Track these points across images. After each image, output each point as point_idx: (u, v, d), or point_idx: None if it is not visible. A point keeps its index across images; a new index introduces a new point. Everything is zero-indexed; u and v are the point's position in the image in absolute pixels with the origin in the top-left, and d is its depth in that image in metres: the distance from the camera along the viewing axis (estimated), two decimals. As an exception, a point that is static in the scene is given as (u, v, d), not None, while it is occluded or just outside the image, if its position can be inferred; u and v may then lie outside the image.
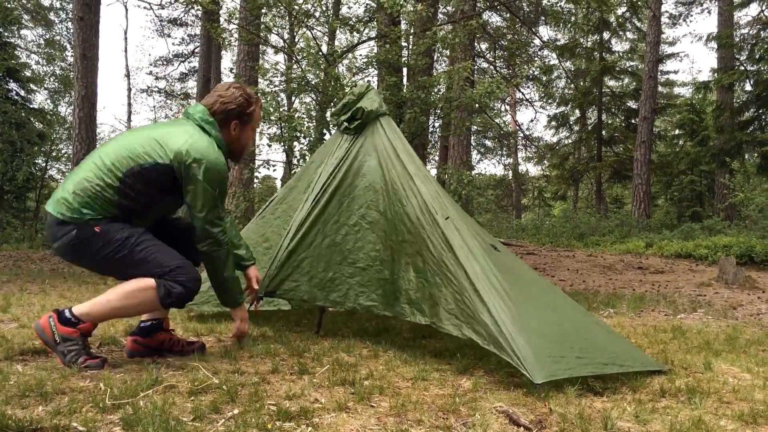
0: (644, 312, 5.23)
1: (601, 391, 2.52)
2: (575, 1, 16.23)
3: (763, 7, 18.89)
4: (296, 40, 12.26)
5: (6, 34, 20.83)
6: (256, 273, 3.35)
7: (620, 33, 25.13)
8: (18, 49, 23.01)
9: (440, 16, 16.26)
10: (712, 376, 2.81)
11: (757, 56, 17.88)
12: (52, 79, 25.85)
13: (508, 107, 29.40)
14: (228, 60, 26.15)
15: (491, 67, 22.32)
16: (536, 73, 23.20)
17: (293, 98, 10.23)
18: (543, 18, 21.07)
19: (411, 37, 10.32)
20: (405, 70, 10.17)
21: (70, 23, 23.41)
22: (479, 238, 3.21)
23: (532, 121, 48.43)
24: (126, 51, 58.18)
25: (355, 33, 10.28)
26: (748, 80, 18.68)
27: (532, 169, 36.73)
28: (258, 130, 10.99)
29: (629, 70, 25.96)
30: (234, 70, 15.13)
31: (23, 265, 9.93)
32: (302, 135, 8.27)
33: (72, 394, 2.21)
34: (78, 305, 2.70)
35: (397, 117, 8.41)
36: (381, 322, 4.05)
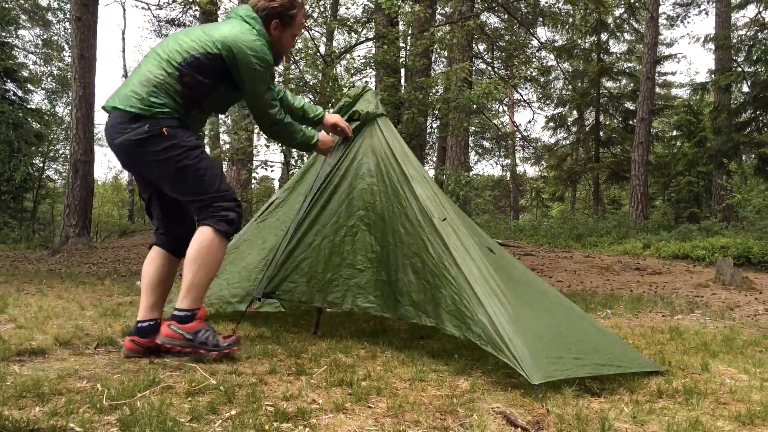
0: (642, 313, 5.24)
1: (598, 391, 2.53)
2: (573, 3, 16.24)
3: (761, 9, 18.92)
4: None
5: (3, 34, 20.81)
6: (333, 119, 3.45)
7: (618, 34, 25.17)
8: (15, 49, 22.99)
9: (438, 16, 16.26)
10: (709, 377, 2.81)
11: (755, 57, 17.90)
12: (49, 80, 25.84)
13: (505, 108, 29.45)
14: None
15: (489, 68, 22.33)
16: (534, 74, 23.20)
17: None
18: (541, 19, 21.07)
19: (409, 37, 10.32)
20: (403, 70, 10.18)
21: (67, 23, 23.38)
22: (477, 239, 3.21)
23: (529, 122, 48.61)
24: (124, 51, 58.30)
25: (353, 34, 10.28)
26: (745, 81, 18.72)
27: (530, 170, 36.79)
28: (256, 132, 10.99)
29: (627, 71, 26.01)
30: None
31: (20, 265, 9.92)
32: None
33: (69, 394, 2.21)
34: (177, 301, 2.82)
35: (395, 118, 8.41)
36: (379, 323, 4.05)
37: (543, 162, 30.04)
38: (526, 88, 25.52)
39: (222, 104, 3.17)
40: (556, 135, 28.83)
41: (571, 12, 20.22)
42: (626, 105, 25.33)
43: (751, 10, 19.58)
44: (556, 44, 23.28)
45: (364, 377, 2.60)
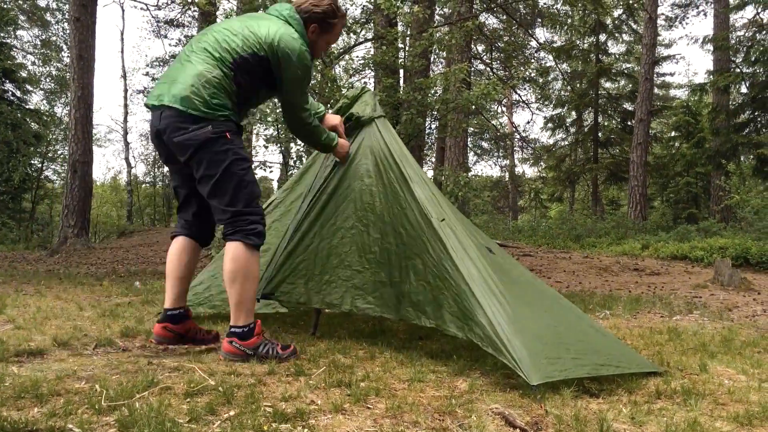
0: (640, 314, 5.24)
1: (596, 392, 2.53)
2: (572, 4, 16.25)
3: (759, 10, 18.95)
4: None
5: (2, 34, 20.79)
6: (333, 120, 3.49)
7: (616, 35, 25.19)
8: (14, 49, 22.97)
9: (437, 17, 16.27)
10: (707, 378, 2.81)
11: (753, 58, 17.92)
12: (48, 80, 25.81)
13: (504, 109, 29.45)
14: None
15: (488, 68, 22.36)
16: (533, 74, 23.21)
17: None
18: (539, 20, 21.10)
19: (408, 38, 10.33)
20: (402, 71, 10.18)
21: (66, 24, 23.34)
22: (475, 240, 3.21)
23: (528, 122, 48.67)
24: (122, 52, 58.15)
25: (351, 34, 10.28)
26: (743, 82, 18.76)
27: (529, 171, 36.81)
28: (255, 131, 10.97)
29: (625, 72, 26.03)
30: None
31: (19, 265, 9.91)
32: (299, 136, 8.26)
33: (68, 395, 2.21)
34: (233, 320, 2.89)
35: (394, 118, 8.42)
36: (377, 323, 4.05)
37: (542, 163, 30.07)
38: (525, 88, 25.57)
39: (263, 100, 3.30)
40: (555, 136, 28.90)
41: (570, 13, 20.22)
42: (625, 106, 25.36)
43: (749, 11, 19.59)
44: (554, 45, 23.29)
45: (363, 378, 2.60)
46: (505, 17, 20.16)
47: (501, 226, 21.47)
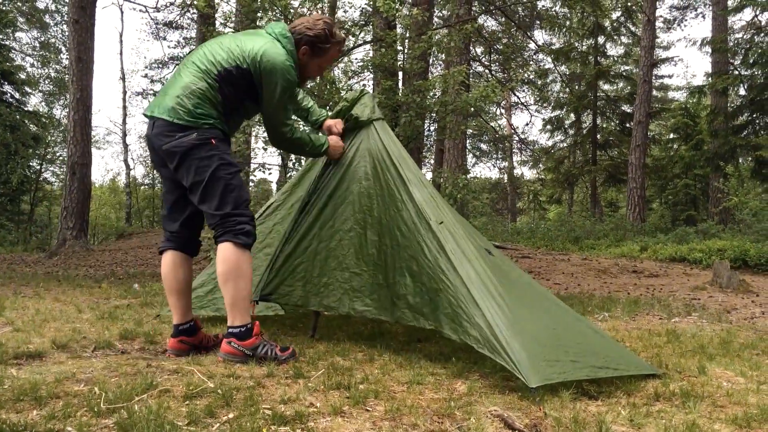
0: (639, 316, 5.25)
1: (595, 394, 2.53)
2: (570, 6, 16.30)
3: (757, 12, 18.99)
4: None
5: (1, 36, 20.78)
6: (331, 122, 3.52)
7: (615, 37, 25.22)
8: (13, 51, 22.95)
9: (436, 20, 16.30)
10: (706, 380, 2.82)
11: (751, 61, 17.96)
12: (46, 82, 25.80)
13: (503, 111, 29.48)
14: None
15: (487, 70, 22.39)
16: (531, 76, 23.26)
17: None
18: (538, 22, 21.16)
19: (406, 41, 10.35)
20: (401, 73, 10.19)
21: (65, 26, 23.35)
22: (474, 242, 3.22)
23: (527, 124, 48.75)
24: (121, 54, 57.98)
25: (350, 37, 10.28)
26: (742, 85, 18.77)
27: (528, 173, 36.83)
28: (255, 133, 10.98)
29: (624, 74, 26.06)
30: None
31: (17, 268, 9.91)
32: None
33: (66, 398, 2.21)
34: (230, 320, 2.93)
35: (393, 121, 8.42)
36: (376, 325, 4.05)
37: (540, 164, 30.11)
38: (524, 90, 25.64)
39: (252, 114, 3.32)
40: (554, 138, 28.92)
41: (568, 15, 20.28)
42: (623, 108, 25.38)
43: (747, 14, 19.67)
44: (553, 47, 23.33)
45: (362, 380, 2.60)
46: (503, 19, 20.22)
47: (500, 228, 21.47)
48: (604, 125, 26.15)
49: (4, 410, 2.05)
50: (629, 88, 25.47)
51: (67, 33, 16.77)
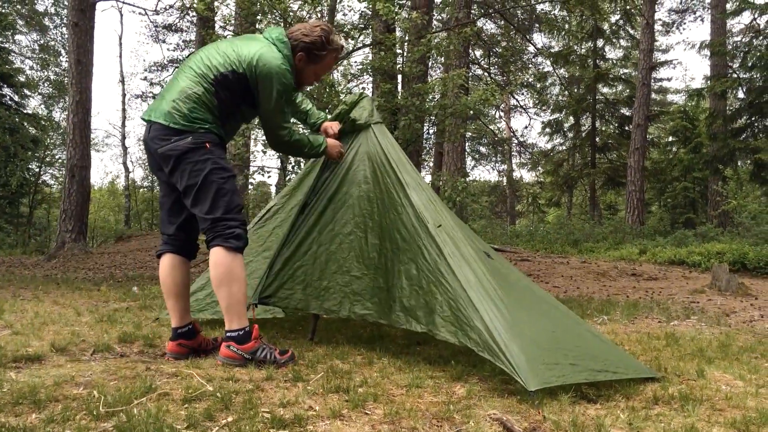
0: (638, 319, 5.25)
1: (594, 398, 2.53)
2: (569, 9, 16.32)
3: (756, 16, 19.03)
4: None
5: (0, 39, 20.79)
6: (328, 125, 3.53)
7: (614, 40, 25.28)
8: (12, 54, 22.96)
9: (435, 23, 16.32)
10: (704, 384, 2.82)
11: (750, 64, 17.99)
12: (46, 85, 25.80)
13: (502, 114, 29.49)
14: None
15: (486, 74, 22.41)
16: (530, 80, 23.31)
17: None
18: (537, 25, 21.18)
19: (406, 44, 10.36)
20: (400, 77, 10.20)
21: (64, 28, 23.36)
22: (473, 245, 3.22)
23: (526, 127, 48.70)
24: (121, 56, 57.69)
25: (350, 40, 10.30)
26: (740, 88, 18.80)
27: (527, 176, 36.87)
28: (254, 136, 10.98)
29: (623, 77, 26.10)
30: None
31: (16, 270, 9.90)
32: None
33: (65, 401, 2.20)
34: (227, 324, 2.94)
35: (392, 124, 8.43)
36: (375, 329, 4.05)
37: (539, 167, 30.10)
38: (523, 93, 25.67)
39: (249, 118, 3.33)
40: (553, 141, 28.99)
41: (568, 18, 20.30)
42: (622, 111, 25.41)
43: (746, 17, 19.76)
44: (552, 50, 23.41)
45: (361, 384, 2.61)
46: (503, 22, 20.24)
47: (499, 230, 21.49)
48: (603, 128, 26.17)
49: (3, 413, 2.05)
50: (628, 91, 25.51)
51: (66, 36, 16.78)
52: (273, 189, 23.13)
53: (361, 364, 3.05)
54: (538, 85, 25.52)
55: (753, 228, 13.87)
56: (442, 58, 13.51)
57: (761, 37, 18.62)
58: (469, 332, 2.70)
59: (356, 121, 3.50)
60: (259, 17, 10.00)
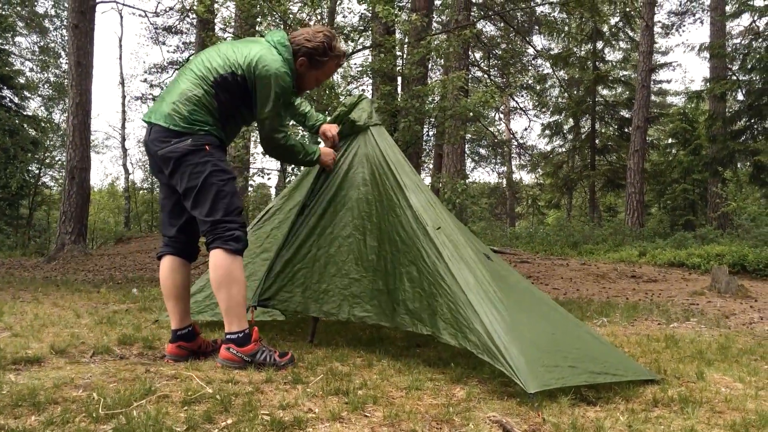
0: (637, 321, 5.25)
1: (594, 400, 2.53)
2: (569, 11, 16.34)
3: (755, 18, 19.06)
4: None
5: (0, 40, 20.80)
6: (326, 127, 3.52)
7: (613, 42, 25.29)
8: (12, 56, 22.97)
9: (435, 25, 16.34)
10: (704, 386, 2.82)
11: (749, 66, 18.01)
12: (46, 87, 25.81)
13: (502, 116, 29.51)
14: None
15: (485, 76, 22.44)
16: (530, 82, 23.33)
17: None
18: (537, 27, 21.22)
19: (405, 46, 10.36)
20: (399, 79, 10.21)
21: (64, 30, 23.39)
22: (473, 246, 3.22)
23: (526, 129, 48.73)
24: (120, 58, 57.88)
25: (349, 42, 10.31)
26: (740, 90, 18.83)
27: (526, 178, 36.88)
28: (254, 138, 10.98)
29: (622, 79, 26.13)
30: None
31: (16, 272, 9.90)
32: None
33: (65, 403, 2.20)
34: (227, 326, 2.93)
35: (392, 126, 8.43)
36: (375, 331, 4.05)
37: (539, 169, 30.09)
38: (522, 95, 25.70)
39: (249, 120, 3.32)
40: (552, 143, 28.97)
41: (567, 20, 20.33)
42: (622, 113, 25.43)
43: (745, 19, 19.79)
44: (552, 52, 23.42)
45: (361, 386, 2.60)
46: (502, 25, 20.26)
47: (498, 232, 21.48)
48: (603, 130, 26.19)
49: (3, 416, 2.05)
50: (628, 93, 25.54)
51: (66, 37, 16.80)
52: (273, 191, 23.15)
53: (361, 366, 3.05)
54: (538, 87, 25.56)
55: (752, 230, 13.87)
56: (442, 60, 13.51)
57: (760, 40, 18.64)
58: (469, 334, 2.70)
59: (355, 122, 3.50)
60: (259, 19, 10.01)
